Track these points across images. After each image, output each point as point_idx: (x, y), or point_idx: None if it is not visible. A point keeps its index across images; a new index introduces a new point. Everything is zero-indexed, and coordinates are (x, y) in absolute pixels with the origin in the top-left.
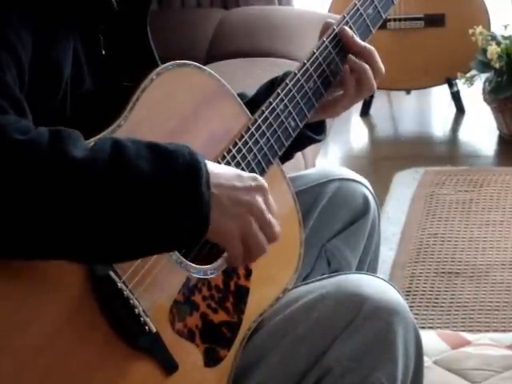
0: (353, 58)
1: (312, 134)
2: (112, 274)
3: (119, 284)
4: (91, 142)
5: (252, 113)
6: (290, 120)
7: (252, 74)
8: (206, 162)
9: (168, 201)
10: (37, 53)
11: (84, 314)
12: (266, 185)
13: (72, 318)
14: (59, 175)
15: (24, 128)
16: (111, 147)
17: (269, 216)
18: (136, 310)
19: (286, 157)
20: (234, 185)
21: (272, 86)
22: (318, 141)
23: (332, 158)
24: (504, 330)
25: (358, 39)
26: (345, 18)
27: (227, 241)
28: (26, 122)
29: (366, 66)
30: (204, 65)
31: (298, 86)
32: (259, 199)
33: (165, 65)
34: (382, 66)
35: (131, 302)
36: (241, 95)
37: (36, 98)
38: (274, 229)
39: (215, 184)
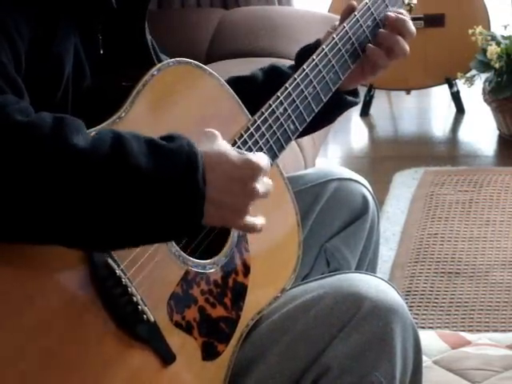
0: (382, 33)
1: (352, 97)
2: (110, 260)
3: (117, 271)
4: (91, 131)
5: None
6: (290, 123)
7: None
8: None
9: (165, 194)
10: (37, 48)
11: (82, 299)
12: (256, 163)
13: (70, 304)
14: (58, 161)
15: (24, 109)
16: (112, 139)
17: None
18: (134, 298)
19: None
20: (229, 165)
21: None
22: (356, 103)
23: (332, 158)
24: (504, 330)
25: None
26: (344, 27)
27: (228, 221)
28: (26, 103)
29: (397, 37)
30: (204, 64)
31: (297, 90)
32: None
33: (166, 61)
34: (411, 27)
35: (129, 289)
36: (275, 68)
37: (38, 93)
38: (269, 186)
39: (211, 167)
